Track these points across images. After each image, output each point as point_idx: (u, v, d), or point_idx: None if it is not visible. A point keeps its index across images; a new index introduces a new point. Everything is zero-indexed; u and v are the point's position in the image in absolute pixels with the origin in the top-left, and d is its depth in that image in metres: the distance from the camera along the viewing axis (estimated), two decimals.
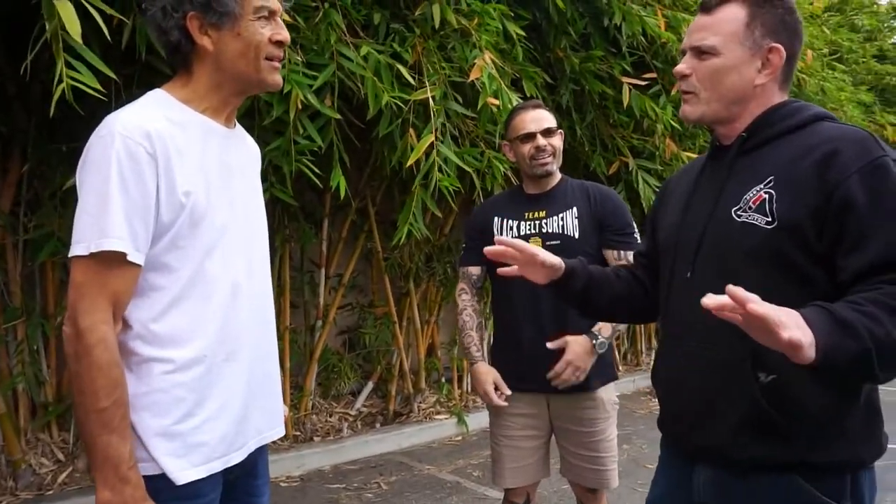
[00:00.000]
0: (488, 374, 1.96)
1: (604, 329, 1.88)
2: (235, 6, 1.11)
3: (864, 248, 1.00)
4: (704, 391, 1.14)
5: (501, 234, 1.99)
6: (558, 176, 2.04)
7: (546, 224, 1.95)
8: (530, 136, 1.96)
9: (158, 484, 1.06)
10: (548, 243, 1.92)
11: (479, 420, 4.18)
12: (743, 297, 0.83)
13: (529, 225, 1.97)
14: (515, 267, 1.35)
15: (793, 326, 0.85)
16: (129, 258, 1.03)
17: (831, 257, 1.03)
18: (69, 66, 1.86)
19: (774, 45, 1.13)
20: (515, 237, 1.95)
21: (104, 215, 1.02)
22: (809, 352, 0.86)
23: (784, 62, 1.15)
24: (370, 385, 4.28)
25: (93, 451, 1.02)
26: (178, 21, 1.10)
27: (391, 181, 3.89)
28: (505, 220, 2.01)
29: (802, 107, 1.16)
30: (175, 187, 1.07)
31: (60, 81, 1.83)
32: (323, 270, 4.00)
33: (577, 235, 1.92)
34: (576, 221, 1.94)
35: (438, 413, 4.27)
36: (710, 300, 0.87)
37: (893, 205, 1.00)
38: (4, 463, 2.94)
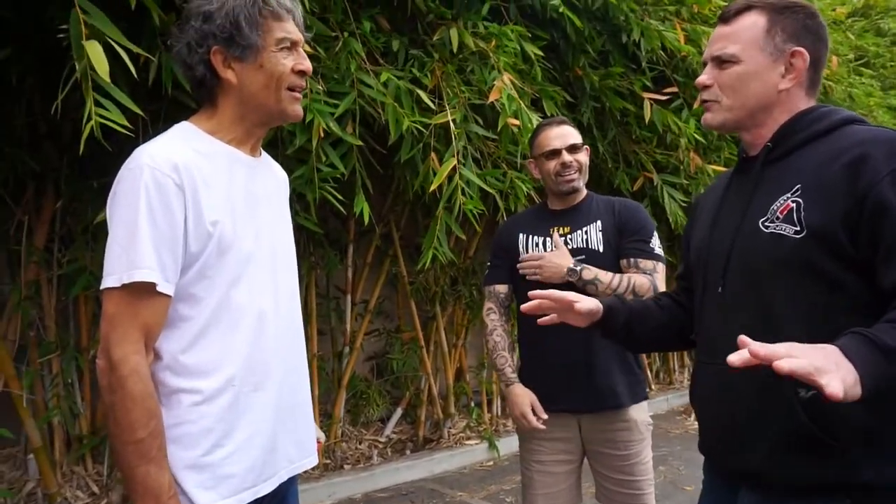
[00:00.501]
0: (525, 397, 1.91)
1: (588, 271, 1.83)
2: (258, 39, 1.13)
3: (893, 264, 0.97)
4: (741, 409, 1.10)
5: (527, 250, 1.97)
6: (584, 192, 2.02)
7: (571, 239, 1.93)
8: (556, 153, 1.95)
9: None
10: (574, 258, 1.90)
11: (510, 444, 4.11)
12: (766, 354, 0.80)
13: None
14: (554, 316, 1.33)
15: (831, 370, 0.81)
16: (159, 289, 1.04)
17: (867, 262, 1.00)
18: (98, 104, 1.91)
19: (797, 48, 1.12)
20: (541, 252, 1.94)
21: (134, 247, 1.03)
22: (854, 391, 0.83)
23: (808, 66, 1.13)
24: (399, 411, 4.25)
25: (132, 483, 1.02)
26: (203, 56, 1.13)
27: (414, 205, 3.90)
28: (531, 238, 1.99)
29: (830, 111, 1.14)
30: (202, 217, 1.08)
31: (89, 119, 1.88)
32: (349, 297, 4.01)
33: (601, 249, 1.90)
34: (600, 235, 1.92)
35: (469, 438, 4.22)
36: (736, 357, 0.84)
37: None
38: (41, 497, 2.97)
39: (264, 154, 1.31)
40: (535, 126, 2.71)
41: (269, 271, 1.20)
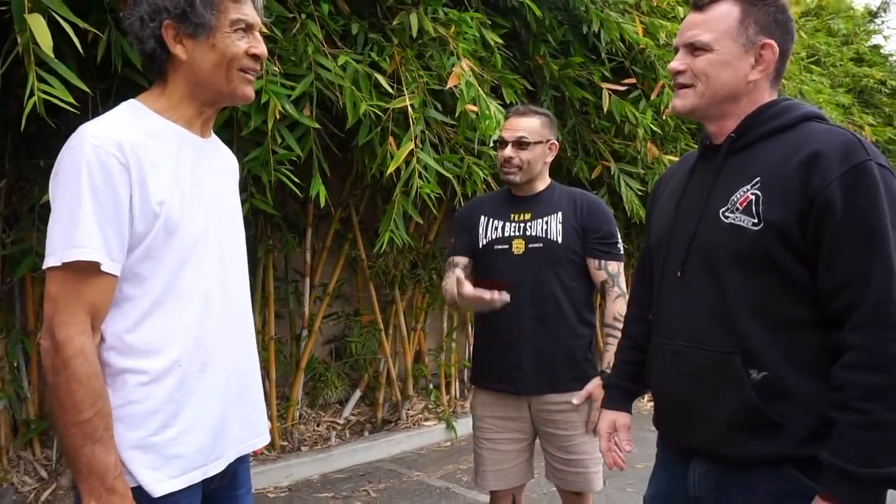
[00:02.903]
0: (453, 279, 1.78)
1: (612, 361, 1.84)
2: (211, 18, 1.12)
3: (833, 266, 1.03)
4: (696, 390, 1.16)
5: (486, 233, 1.99)
6: (546, 181, 2.04)
7: (530, 227, 1.96)
8: (503, 144, 1.98)
9: (135, 496, 1.06)
10: (530, 245, 1.94)
11: (467, 425, 4.17)
12: None
13: (514, 227, 1.98)
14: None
15: None
16: (103, 268, 1.03)
17: (814, 261, 1.05)
18: (41, 80, 1.85)
19: (767, 41, 1.14)
20: (499, 237, 1.97)
21: (76, 226, 1.01)
22: None
23: (777, 59, 1.16)
24: (358, 393, 4.26)
25: (77, 464, 1.01)
26: (155, 30, 1.12)
27: (374, 189, 3.89)
28: (490, 220, 2.01)
29: (792, 106, 1.17)
30: (149, 197, 1.07)
31: (32, 95, 1.82)
32: (308, 280, 3.99)
33: (560, 240, 1.93)
34: (559, 227, 1.94)
35: (427, 419, 4.26)
36: None
37: (865, 215, 1.01)
38: None
39: (214, 136, 1.29)
40: (494, 112, 2.74)
41: (217, 254, 1.19)
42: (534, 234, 1.95)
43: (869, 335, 0.99)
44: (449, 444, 4.14)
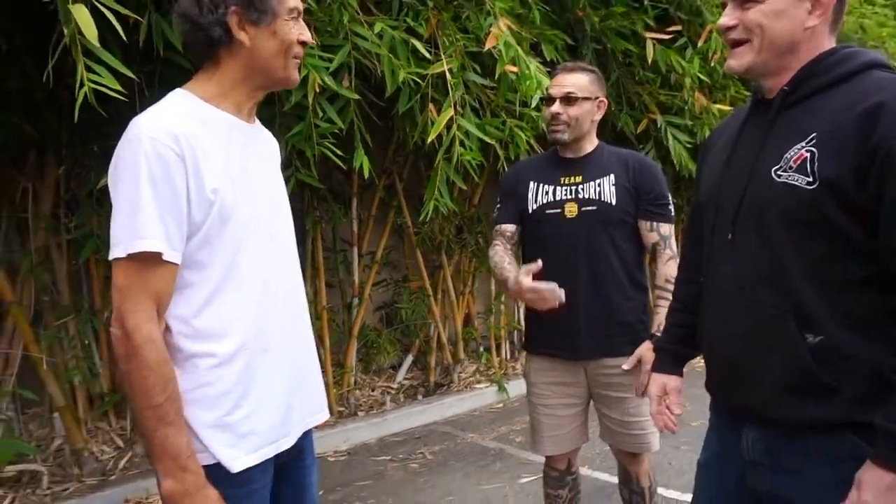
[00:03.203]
0: (516, 275, 1.79)
1: (662, 325, 1.81)
2: (276, 5, 1.15)
3: (895, 222, 0.97)
4: (748, 352, 1.13)
5: (536, 199, 1.96)
6: (594, 142, 1.99)
7: (583, 189, 1.92)
8: (550, 100, 1.93)
9: (213, 473, 1.11)
10: (584, 208, 1.90)
11: (519, 387, 4.21)
12: None
13: (565, 190, 1.94)
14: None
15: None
16: (165, 257, 1.06)
17: (873, 215, 1.00)
18: (89, 69, 1.90)
19: None
20: (550, 202, 1.94)
21: (138, 217, 1.05)
22: None
23: (835, 0, 1.08)
24: (410, 358, 4.35)
25: (152, 445, 1.07)
26: (221, 16, 1.13)
27: (416, 156, 3.88)
28: (540, 186, 1.98)
29: (854, 53, 1.09)
30: (204, 185, 1.09)
31: (82, 85, 1.87)
32: (355, 249, 4.04)
33: (614, 202, 1.89)
34: (613, 189, 1.90)
35: (479, 382, 4.33)
36: None
37: None
38: (69, 452, 3.11)
39: (257, 121, 1.31)
40: (534, 72, 2.67)
41: (269, 237, 1.22)
42: (587, 196, 1.91)
43: None
44: (501, 405, 4.19)
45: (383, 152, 3.89)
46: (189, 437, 1.09)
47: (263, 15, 1.14)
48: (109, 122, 2.72)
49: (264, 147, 1.30)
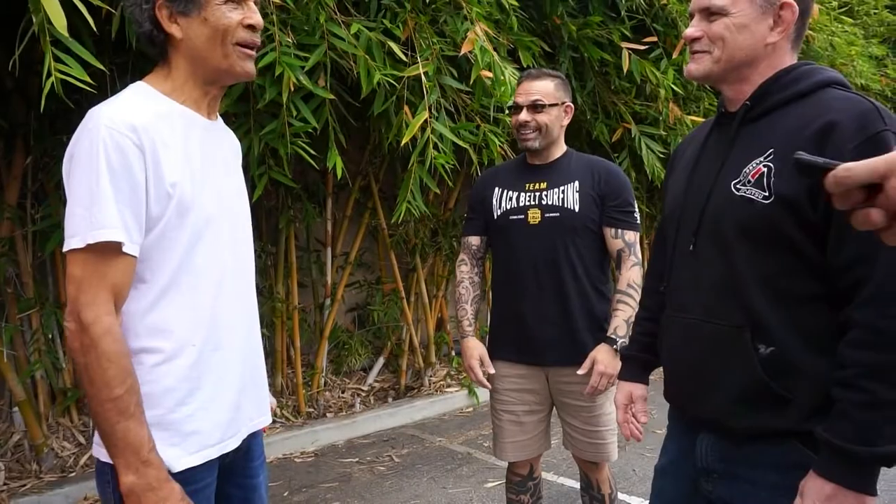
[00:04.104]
0: (475, 350, 1.99)
1: (619, 328, 1.86)
2: None
3: (842, 241, 1.00)
4: (705, 363, 1.15)
5: (501, 205, 1.98)
6: (562, 148, 2.01)
7: (546, 196, 1.93)
8: (518, 108, 1.94)
9: None
10: (547, 215, 1.92)
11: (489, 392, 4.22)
12: None
13: (529, 196, 1.95)
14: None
15: None
16: (125, 249, 1.04)
17: (824, 236, 1.03)
18: (58, 59, 1.87)
19: (786, 0, 1.09)
20: (514, 208, 1.96)
21: (97, 207, 1.02)
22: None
23: (797, 18, 1.11)
24: (381, 361, 4.34)
25: (112, 439, 1.04)
26: (149, 11, 1.11)
27: (392, 158, 3.88)
28: (505, 192, 1.99)
29: (811, 70, 1.12)
30: (163, 178, 1.07)
31: (50, 75, 1.84)
32: (329, 249, 4.03)
33: (577, 209, 1.90)
34: (577, 195, 1.91)
35: (449, 386, 4.33)
36: None
37: None
38: (28, 447, 3.04)
39: (219, 118, 1.30)
40: (509, 78, 2.69)
41: (228, 234, 1.21)
42: (550, 203, 1.92)
43: (873, 313, 0.97)
44: (471, 409, 4.20)
45: (360, 153, 3.88)
46: (149, 430, 1.06)
47: (190, 3, 1.10)
48: (79, 112, 2.69)
49: (225, 144, 1.28)
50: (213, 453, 1.17)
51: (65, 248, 1.05)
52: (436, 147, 2.59)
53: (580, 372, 1.88)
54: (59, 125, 2.92)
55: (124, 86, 2.47)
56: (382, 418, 3.88)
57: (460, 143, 2.75)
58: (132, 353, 1.09)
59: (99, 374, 1.02)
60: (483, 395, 4.26)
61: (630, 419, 1.44)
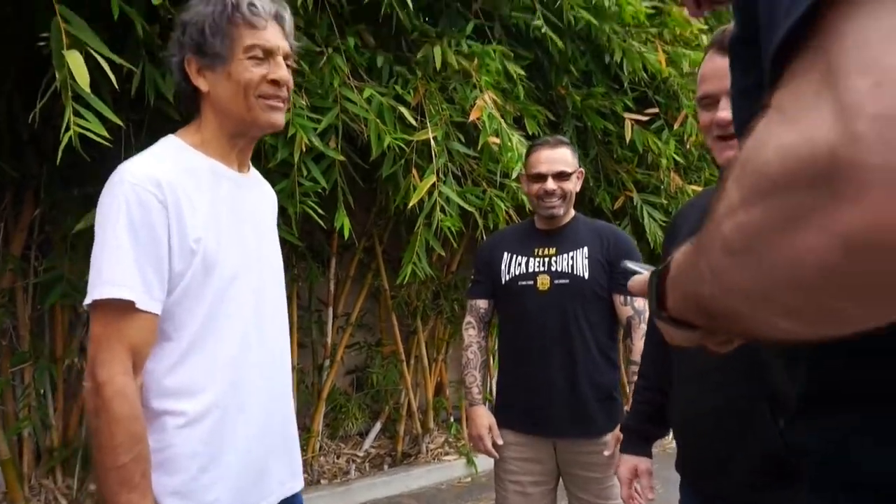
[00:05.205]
0: (484, 419, 1.94)
1: None
2: (223, 48, 1.12)
3: None
4: (720, 436, 1.12)
5: (510, 270, 1.97)
6: (571, 213, 2.02)
7: (555, 262, 1.92)
8: (541, 177, 1.93)
9: None
10: (556, 281, 1.90)
11: (488, 461, 4.05)
12: None
13: (538, 262, 1.94)
14: None
15: None
16: (140, 306, 1.01)
17: None
18: (77, 113, 1.91)
19: None
20: (523, 273, 1.95)
21: (114, 264, 1.01)
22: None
23: None
24: (378, 425, 4.23)
25: None
26: (179, 64, 1.15)
27: (398, 220, 3.91)
28: (514, 257, 1.98)
29: None
30: (186, 234, 1.06)
31: (68, 129, 1.88)
32: (331, 309, 4.00)
33: (586, 276, 1.89)
34: (586, 261, 1.90)
35: (447, 454, 4.20)
36: None
37: None
38: None
39: (253, 171, 1.29)
40: (516, 145, 2.75)
41: (255, 291, 1.18)
42: (559, 269, 1.91)
43: None
44: (469, 479, 4.06)
45: (365, 214, 3.91)
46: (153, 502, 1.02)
47: (216, 59, 1.12)
48: (92, 166, 2.72)
49: (258, 197, 1.27)
50: None
51: (84, 304, 1.04)
52: (442, 210, 2.61)
53: (606, 453, 1.82)
54: (71, 178, 2.95)
55: (139, 141, 2.50)
56: (378, 486, 3.75)
57: (467, 206, 2.78)
58: (155, 414, 1.05)
59: (107, 438, 0.98)
60: (482, 464, 4.12)
61: (635, 495, 1.38)
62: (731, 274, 0.39)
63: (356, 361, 4.33)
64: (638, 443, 1.40)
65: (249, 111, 1.14)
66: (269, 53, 1.14)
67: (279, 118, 1.17)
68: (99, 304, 1.01)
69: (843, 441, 0.46)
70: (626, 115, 3.62)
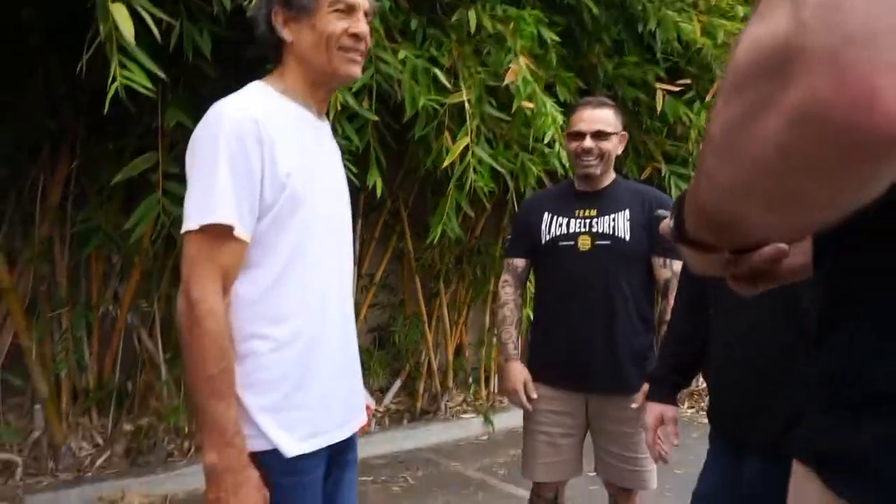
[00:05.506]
0: (521, 374, 1.99)
1: None
2: (309, 2, 1.19)
3: None
4: (755, 386, 1.15)
5: (550, 230, 1.99)
6: (612, 176, 2.02)
7: (596, 223, 1.94)
8: (580, 136, 1.94)
9: (268, 460, 1.12)
10: (597, 242, 1.92)
11: (504, 420, 4.20)
12: None
13: (579, 223, 1.96)
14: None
15: None
16: (236, 233, 1.09)
17: None
18: (122, 66, 1.95)
19: None
20: (564, 234, 1.96)
21: (213, 192, 1.09)
22: None
23: None
24: (398, 382, 4.33)
25: (202, 416, 1.08)
26: (266, 15, 1.21)
27: (424, 183, 3.94)
28: (555, 218, 2.00)
29: None
30: (277, 169, 1.13)
31: (114, 80, 1.92)
32: (355, 269, 4.06)
33: (627, 238, 1.91)
34: (627, 224, 1.91)
35: (465, 412, 4.31)
36: None
37: None
38: (46, 445, 3.07)
39: (327, 120, 1.36)
40: (550, 109, 2.75)
41: (336, 231, 1.26)
42: (601, 231, 1.92)
43: None
44: (486, 437, 4.17)
45: (393, 176, 3.94)
46: (238, 414, 1.09)
47: (302, 11, 1.19)
48: (127, 120, 2.77)
49: (330, 145, 1.34)
50: (324, 442, 1.19)
51: (182, 230, 1.11)
52: (475, 171, 2.64)
53: (635, 405, 1.84)
54: (106, 132, 3.01)
55: (175, 97, 2.52)
56: (398, 440, 3.87)
57: (499, 168, 2.80)
58: (245, 338, 1.13)
59: (199, 351, 1.07)
60: (498, 423, 4.23)
61: (659, 441, 1.44)
62: (718, 172, 0.43)
63: (379, 320, 4.41)
64: (664, 392, 1.45)
65: (330, 62, 1.20)
66: (351, 9, 1.20)
67: (357, 70, 1.24)
68: (196, 230, 1.08)
69: (858, 356, 0.48)
70: (658, 85, 3.58)
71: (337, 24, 1.19)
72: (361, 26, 1.21)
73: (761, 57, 0.37)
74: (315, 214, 1.19)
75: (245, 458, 1.08)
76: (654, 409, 1.46)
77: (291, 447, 1.14)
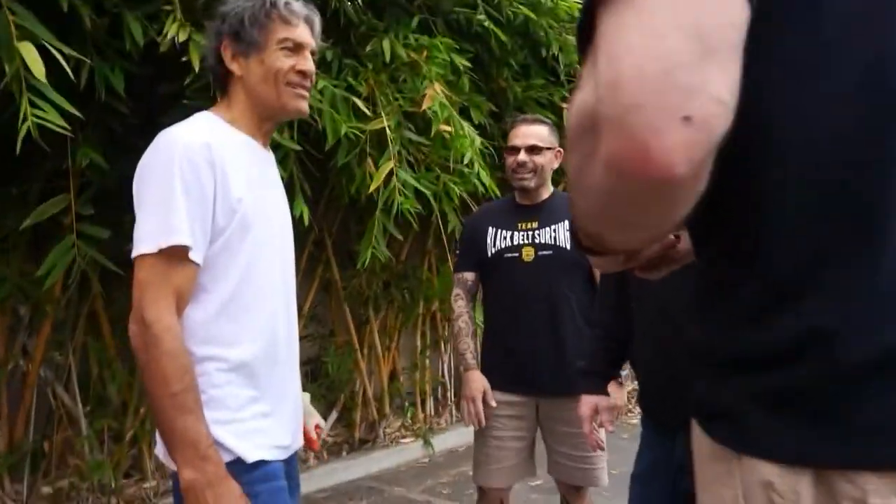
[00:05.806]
0: (480, 383, 2.04)
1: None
2: (259, 38, 1.23)
3: None
4: (671, 368, 1.24)
5: (496, 243, 2.08)
6: (550, 189, 2.14)
7: (539, 235, 2.05)
8: (515, 150, 2.06)
9: (235, 469, 1.12)
10: (540, 253, 2.03)
11: (443, 441, 4.23)
12: None
13: (522, 235, 2.07)
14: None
15: None
16: (191, 255, 1.10)
17: None
18: (32, 104, 1.89)
19: None
20: (508, 246, 2.06)
21: (169, 214, 1.09)
22: None
23: None
24: (335, 414, 4.27)
25: (171, 436, 1.07)
26: (215, 49, 1.25)
27: (347, 212, 3.97)
28: (499, 231, 2.10)
29: None
30: (229, 193, 1.16)
31: (24, 120, 1.86)
32: None
33: (568, 247, 2.02)
34: (567, 234, 2.03)
35: (404, 437, 4.30)
36: None
37: None
38: None
39: (270, 151, 1.39)
40: (467, 132, 2.87)
41: (282, 258, 1.29)
42: (543, 241, 2.04)
43: None
44: (427, 459, 4.18)
45: (315, 206, 3.94)
46: (207, 426, 1.09)
47: (251, 46, 1.23)
48: (30, 164, 2.65)
49: (274, 174, 1.38)
50: (280, 454, 1.21)
51: (134, 254, 1.12)
52: (401, 193, 2.70)
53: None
54: (12, 174, 2.85)
55: (85, 137, 2.46)
56: (338, 472, 3.81)
57: (423, 189, 2.88)
58: (197, 360, 1.13)
59: (159, 370, 1.06)
60: (438, 444, 4.25)
61: (595, 429, 1.52)
62: (577, 202, 0.57)
63: (310, 353, 4.35)
64: (596, 382, 1.54)
65: (279, 97, 1.25)
66: (298, 47, 1.26)
67: (304, 105, 1.29)
68: (152, 253, 1.09)
69: (727, 329, 0.60)
70: (564, 104, 3.80)
71: (285, 61, 1.24)
72: (308, 64, 1.27)
73: (584, 118, 0.50)
74: (263, 239, 1.22)
75: (222, 469, 1.09)
76: (589, 401, 1.55)
77: (251, 453, 1.15)
